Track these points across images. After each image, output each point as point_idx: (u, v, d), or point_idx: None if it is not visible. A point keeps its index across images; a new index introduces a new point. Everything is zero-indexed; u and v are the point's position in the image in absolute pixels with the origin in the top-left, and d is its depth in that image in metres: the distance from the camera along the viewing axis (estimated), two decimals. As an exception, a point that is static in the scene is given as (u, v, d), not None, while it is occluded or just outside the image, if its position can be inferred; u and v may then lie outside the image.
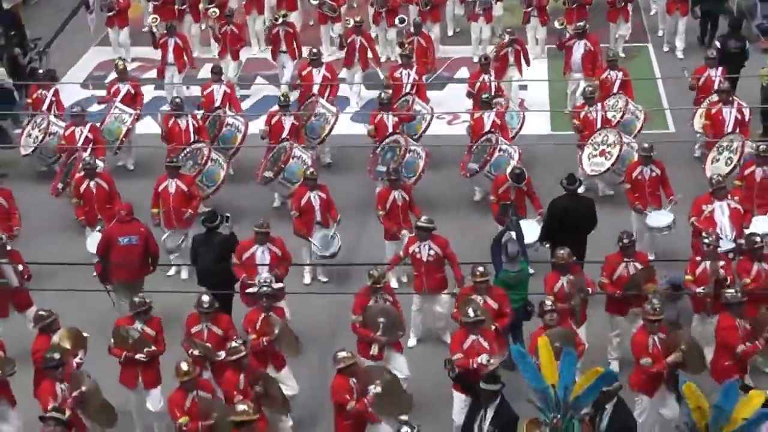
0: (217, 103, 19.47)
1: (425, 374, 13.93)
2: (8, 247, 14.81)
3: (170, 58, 21.60)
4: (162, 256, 15.89)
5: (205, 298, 13.35)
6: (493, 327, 13.27)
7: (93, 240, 15.88)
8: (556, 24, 22.38)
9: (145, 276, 15.31)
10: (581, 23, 21.44)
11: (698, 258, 14.18)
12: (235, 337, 12.98)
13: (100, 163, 17.34)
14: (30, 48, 23.53)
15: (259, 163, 18.00)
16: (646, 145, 16.53)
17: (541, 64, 23.16)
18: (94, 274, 15.39)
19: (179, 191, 16.34)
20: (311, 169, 16.61)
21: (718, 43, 21.62)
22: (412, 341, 15.11)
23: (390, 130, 18.20)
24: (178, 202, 16.30)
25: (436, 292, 14.79)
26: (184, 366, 12.24)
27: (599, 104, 18.50)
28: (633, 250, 14.16)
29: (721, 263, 14.05)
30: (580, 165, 17.77)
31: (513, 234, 14.32)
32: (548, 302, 13.08)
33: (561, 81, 21.41)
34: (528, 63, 21.24)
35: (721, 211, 15.30)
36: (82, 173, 16.66)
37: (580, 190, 16.34)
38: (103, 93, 20.68)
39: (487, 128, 18.07)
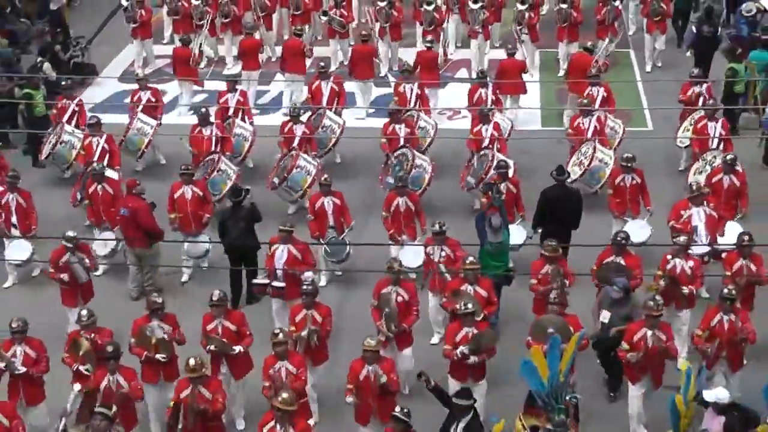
0: (231, 111, 20.14)
1: (438, 369, 14.07)
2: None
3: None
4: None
5: (216, 292, 13.87)
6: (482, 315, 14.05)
7: (99, 243, 16.77)
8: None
9: (149, 247, 16.58)
10: (590, 43, 22.57)
11: (669, 256, 15.04)
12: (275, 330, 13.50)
13: (113, 173, 18.13)
14: (73, 45, 25.07)
15: (271, 169, 18.82)
16: (628, 155, 17.35)
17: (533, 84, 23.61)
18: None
19: (195, 196, 17.04)
20: (326, 176, 17.23)
21: (693, 28, 23.31)
22: (435, 338, 15.70)
23: (402, 141, 18.86)
24: (195, 206, 17.00)
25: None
26: (192, 362, 12.66)
27: (594, 115, 19.30)
28: (624, 247, 15.07)
29: (690, 264, 14.96)
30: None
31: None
32: (552, 294, 13.88)
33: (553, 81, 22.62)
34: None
35: (698, 217, 16.18)
36: (91, 177, 17.44)
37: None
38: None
39: (486, 143, 18.85)
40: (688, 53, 24.57)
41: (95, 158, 18.61)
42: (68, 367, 13.58)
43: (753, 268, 15.02)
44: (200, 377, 12.65)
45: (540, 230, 16.57)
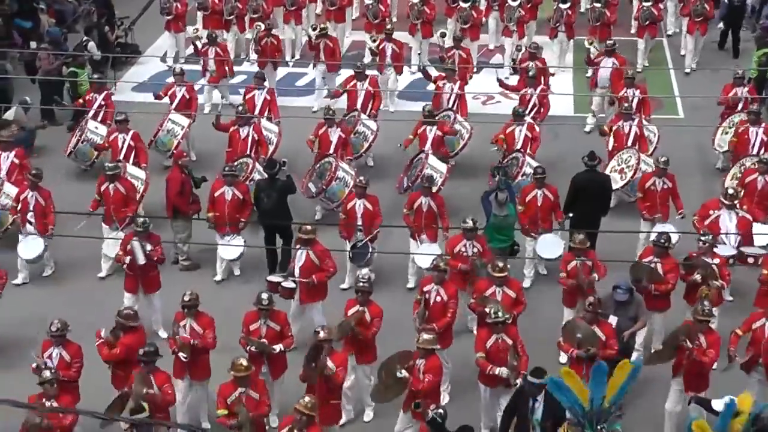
0: (257, 110, 19.96)
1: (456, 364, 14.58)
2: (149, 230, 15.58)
3: (210, 65, 22.09)
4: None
5: (264, 295, 13.86)
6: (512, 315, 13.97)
7: (112, 241, 16.48)
8: (586, 43, 22.77)
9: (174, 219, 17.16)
10: (611, 41, 22.15)
11: (694, 254, 15.06)
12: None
13: (140, 172, 18.14)
14: (117, 25, 25.57)
15: (306, 171, 18.54)
16: (664, 158, 17.13)
17: (566, 75, 24.09)
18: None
19: (235, 198, 16.81)
20: (362, 178, 17.03)
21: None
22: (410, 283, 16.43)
23: (429, 143, 18.71)
24: (233, 208, 16.82)
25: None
26: (243, 362, 12.65)
27: (635, 120, 18.95)
28: (665, 250, 14.95)
29: (716, 261, 14.96)
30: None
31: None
32: (591, 299, 13.70)
33: (585, 95, 22.26)
34: (546, 81, 21.39)
35: (728, 218, 16.01)
36: (104, 175, 17.16)
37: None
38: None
39: (519, 143, 18.63)
40: (720, 25, 24.94)
41: (121, 155, 18.57)
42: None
43: None
44: (247, 378, 12.65)
45: (570, 215, 16.93)
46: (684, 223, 16.85)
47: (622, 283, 14.32)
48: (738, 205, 16.38)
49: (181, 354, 13.57)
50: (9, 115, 20.89)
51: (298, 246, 15.42)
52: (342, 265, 16.31)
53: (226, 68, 22.30)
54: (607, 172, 18.24)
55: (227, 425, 12.56)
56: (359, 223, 16.73)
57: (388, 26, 23.07)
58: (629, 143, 18.73)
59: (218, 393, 12.76)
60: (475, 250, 15.47)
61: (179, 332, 13.70)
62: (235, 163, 18.02)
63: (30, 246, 16.98)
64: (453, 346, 14.65)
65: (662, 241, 15.01)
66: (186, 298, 13.75)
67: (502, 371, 13.30)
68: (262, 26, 22.91)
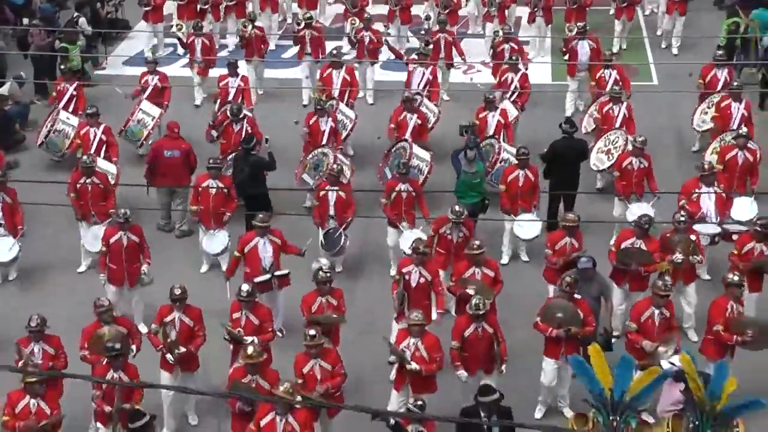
0: (231, 96, 19.95)
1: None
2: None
3: (198, 55, 22.06)
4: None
5: (245, 287, 13.90)
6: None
7: (93, 238, 16.41)
8: (567, 30, 22.77)
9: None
10: (582, 24, 22.11)
11: (668, 234, 15.23)
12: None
13: (111, 166, 18.07)
14: (107, 1, 25.88)
15: (299, 162, 18.47)
16: (641, 138, 17.34)
17: (545, 59, 24.17)
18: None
19: (220, 192, 16.82)
20: (333, 166, 17.22)
21: None
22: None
23: (409, 131, 18.69)
24: (218, 202, 16.81)
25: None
26: (250, 350, 12.75)
27: (624, 103, 19.02)
28: (647, 231, 15.06)
29: (693, 237, 15.19)
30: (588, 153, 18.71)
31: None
32: (567, 279, 13.72)
33: (563, 82, 22.23)
34: (525, 63, 21.48)
35: (708, 196, 16.14)
36: (79, 170, 17.06)
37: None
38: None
39: (491, 130, 18.67)
40: None
41: (92, 149, 18.46)
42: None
43: (766, 251, 14.99)
44: (257, 365, 12.73)
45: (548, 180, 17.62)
46: (661, 204, 16.90)
47: (585, 257, 14.49)
48: (717, 183, 16.49)
49: (169, 356, 13.55)
50: (4, 89, 21.35)
51: (257, 236, 15.47)
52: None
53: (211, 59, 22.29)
54: (594, 152, 18.56)
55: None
56: (331, 212, 16.75)
57: (367, 15, 22.98)
58: (617, 125, 18.85)
59: (229, 379, 12.97)
60: (461, 234, 15.56)
61: (169, 329, 13.67)
62: (229, 158, 18.10)
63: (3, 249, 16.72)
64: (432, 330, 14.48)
65: (643, 222, 15.09)
66: (176, 292, 13.74)
67: (462, 375, 13.53)
68: (249, 26, 22.63)
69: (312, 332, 12.95)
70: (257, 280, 15.13)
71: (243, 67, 21.66)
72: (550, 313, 13.62)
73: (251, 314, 13.83)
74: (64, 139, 19.54)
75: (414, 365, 13.10)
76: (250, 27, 22.35)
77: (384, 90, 22.04)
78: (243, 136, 18.36)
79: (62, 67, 21.21)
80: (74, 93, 20.29)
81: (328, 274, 14.19)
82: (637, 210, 16.59)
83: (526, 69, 21.01)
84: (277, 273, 15.27)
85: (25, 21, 24.39)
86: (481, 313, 13.35)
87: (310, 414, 12.33)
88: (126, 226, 15.49)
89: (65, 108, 20.02)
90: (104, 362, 12.89)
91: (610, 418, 11.19)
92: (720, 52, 20.82)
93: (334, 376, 13.02)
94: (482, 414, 12.13)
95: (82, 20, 23.81)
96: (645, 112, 20.22)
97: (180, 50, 23.79)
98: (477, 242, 14.70)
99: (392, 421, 11.82)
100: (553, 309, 13.63)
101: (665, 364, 12.41)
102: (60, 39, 22.71)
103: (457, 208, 15.59)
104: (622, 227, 15.85)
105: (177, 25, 23.92)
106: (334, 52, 21.13)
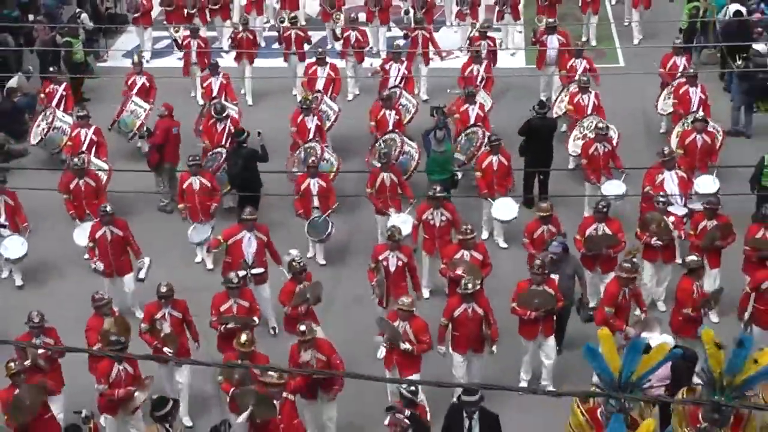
0: (214, 93, 20.56)
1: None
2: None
3: (193, 57, 22.53)
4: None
5: (232, 274, 14.43)
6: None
7: (81, 231, 16.80)
8: (536, 20, 23.28)
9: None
10: (552, 19, 22.76)
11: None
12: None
13: (102, 164, 18.61)
14: None
15: (287, 158, 19.10)
16: (602, 125, 18.30)
17: (517, 55, 25.01)
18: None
19: (203, 186, 17.35)
20: (313, 158, 17.84)
21: None
22: (426, 293, 16.46)
23: (390, 126, 19.20)
24: (203, 196, 17.35)
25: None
26: (243, 338, 13.13)
27: (592, 92, 19.66)
28: (606, 215, 15.85)
29: (671, 219, 15.98)
30: (566, 143, 19.49)
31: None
32: (537, 262, 14.33)
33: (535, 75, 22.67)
34: (494, 61, 22.04)
35: (671, 179, 16.86)
36: (72, 171, 17.59)
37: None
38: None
39: (472, 121, 19.30)
40: None
41: (84, 148, 18.99)
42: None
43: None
44: (250, 353, 13.08)
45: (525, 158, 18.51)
46: (630, 179, 17.69)
47: (558, 241, 15.06)
48: (677, 165, 17.27)
49: (166, 349, 13.90)
50: (12, 82, 22.16)
51: (243, 230, 15.81)
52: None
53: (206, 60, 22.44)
54: (571, 140, 19.36)
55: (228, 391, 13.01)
56: (315, 203, 17.43)
57: (353, 14, 23.52)
58: (588, 113, 19.52)
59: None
60: (444, 218, 16.21)
61: (160, 325, 14.05)
62: (209, 155, 18.75)
63: (13, 245, 17.14)
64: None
65: (602, 207, 15.87)
66: (162, 290, 14.09)
67: (440, 349, 14.09)
68: (240, 27, 23.18)
69: (303, 328, 13.31)
70: (254, 272, 15.67)
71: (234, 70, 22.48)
72: (526, 297, 14.23)
73: (240, 300, 14.31)
74: (63, 135, 20.10)
75: (407, 345, 13.56)
76: (241, 29, 22.98)
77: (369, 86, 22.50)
78: (226, 135, 18.94)
79: (53, 70, 21.72)
80: (63, 93, 20.99)
81: (302, 263, 14.63)
82: (609, 187, 17.56)
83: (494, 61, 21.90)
84: (254, 271, 15.62)
85: (30, 17, 25.28)
86: (470, 292, 13.77)
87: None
88: (108, 219, 15.94)
89: (57, 107, 20.62)
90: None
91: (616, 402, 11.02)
92: (678, 39, 21.74)
93: (331, 366, 13.25)
94: (464, 413, 12.31)
95: (84, 16, 24.97)
96: (613, 94, 20.93)
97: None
98: (468, 227, 15.27)
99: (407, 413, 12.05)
100: (529, 294, 14.23)
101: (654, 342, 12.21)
102: (62, 34, 23.55)
103: (434, 191, 16.22)
104: (527, 223, 16.23)
105: (174, 28, 24.42)
106: (320, 50, 21.70)
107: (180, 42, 22.96)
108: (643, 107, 21.72)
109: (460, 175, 18.63)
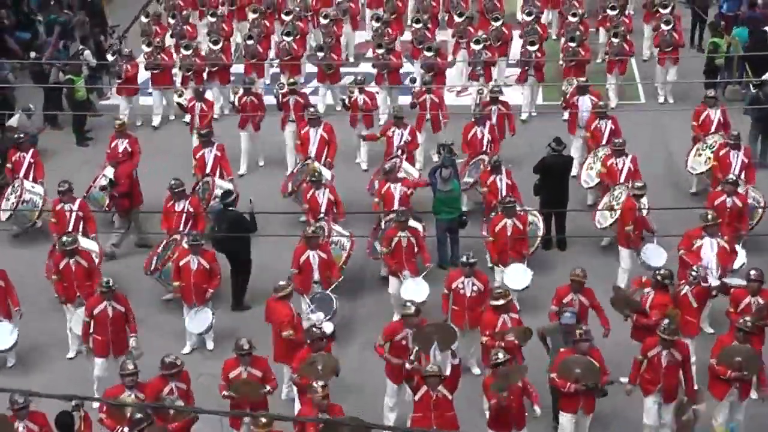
0: (209, 168, 19.57)
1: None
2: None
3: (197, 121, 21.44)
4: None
5: (243, 341, 13.78)
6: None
7: (78, 319, 15.84)
8: (566, 83, 22.33)
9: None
10: (584, 79, 21.85)
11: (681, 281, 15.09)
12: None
13: (91, 243, 17.44)
14: (109, 33, 27.53)
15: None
16: (639, 184, 17.18)
17: (540, 118, 23.66)
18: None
19: (201, 268, 16.29)
20: (313, 228, 16.54)
21: None
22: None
23: (396, 202, 17.84)
24: (199, 278, 16.30)
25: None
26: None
27: (629, 156, 18.64)
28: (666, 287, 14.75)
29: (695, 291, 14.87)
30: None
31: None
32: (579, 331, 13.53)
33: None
34: (512, 128, 21.08)
35: (710, 247, 15.79)
36: (61, 251, 16.47)
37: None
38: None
39: (503, 193, 17.82)
40: None
41: (70, 227, 17.78)
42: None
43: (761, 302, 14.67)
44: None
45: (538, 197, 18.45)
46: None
47: (569, 308, 14.40)
48: (720, 233, 16.20)
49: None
50: (13, 122, 21.96)
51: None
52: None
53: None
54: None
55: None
56: (316, 277, 16.26)
57: (359, 77, 22.52)
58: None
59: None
60: (475, 287, 15.28)
61: (165, 398, 13.51)
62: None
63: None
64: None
65: (661, 277, 14.75)
66: (167, 361, 13.64)
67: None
68: (241, 90, 22.28)
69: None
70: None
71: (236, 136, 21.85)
72: (566, 367, 13.35)
73: (252, 368, 13.79)
74: (33, 208, 19.08)
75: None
76: (240, 91, 22.06)
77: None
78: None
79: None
80: (32, 161, 19.89)
81: (324, 331, 14.14)
82: (649, 253, 16.56)
83: (513, 130, 21.02)
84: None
85: (32, 55, 25.31)
86: (500, 361, 13.11)
87: None
88: (110, 295, 15.19)
89: (25, 177, 19.57)
90: None
91: None
92: (711, 92, 20.53)
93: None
94: None
95: (87, 53, 24.85)
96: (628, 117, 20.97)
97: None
98: (501, 290, 14.59)
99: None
100: (570, 364, 13.33)
101: None
102: (65, 71, 23.41)
103: (464, 258, 15.39)
104: (557, 287, 15.26)
105: (177, 92, 23.36)
106: (312, 109, 20.63)
107: (185, 105, 22.07)
108: (660, 127, 21.79)
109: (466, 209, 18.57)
